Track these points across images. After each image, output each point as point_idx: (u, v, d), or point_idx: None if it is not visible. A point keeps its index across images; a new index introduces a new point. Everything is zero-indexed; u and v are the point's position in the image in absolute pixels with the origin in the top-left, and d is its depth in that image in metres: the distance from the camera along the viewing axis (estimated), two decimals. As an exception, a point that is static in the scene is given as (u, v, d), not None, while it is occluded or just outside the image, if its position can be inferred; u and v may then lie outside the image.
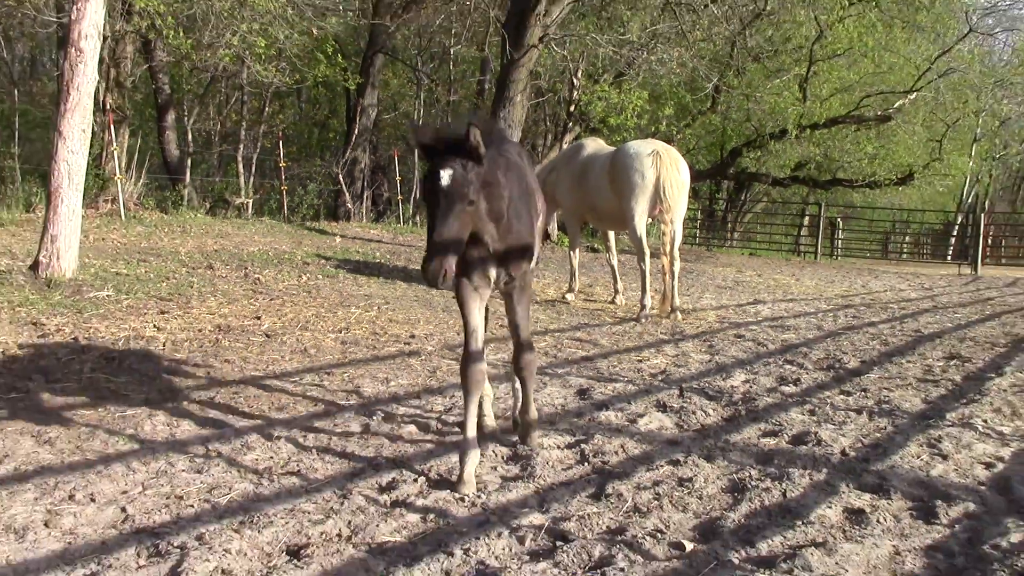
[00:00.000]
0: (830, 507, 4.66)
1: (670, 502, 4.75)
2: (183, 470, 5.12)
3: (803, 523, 4.41)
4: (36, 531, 4.13)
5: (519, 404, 6.00)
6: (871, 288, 19.82)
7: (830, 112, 28.24)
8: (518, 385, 5.97)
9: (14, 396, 6.49)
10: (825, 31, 25.13)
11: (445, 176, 4.41)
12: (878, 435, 6.20)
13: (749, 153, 30.67)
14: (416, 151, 5.99)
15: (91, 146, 11.70)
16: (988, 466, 5.49)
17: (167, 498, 4.64)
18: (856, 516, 4.56)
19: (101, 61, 12.19)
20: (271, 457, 5.41)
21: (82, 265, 11.36)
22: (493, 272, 5.19)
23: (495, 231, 4.96)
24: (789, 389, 7.75)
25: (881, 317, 13.61)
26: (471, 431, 5.13)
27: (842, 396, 7.50)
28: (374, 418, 6.35)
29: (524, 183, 5.46)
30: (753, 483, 5.04)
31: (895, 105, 28.23)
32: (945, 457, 5.64)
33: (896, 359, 9.46)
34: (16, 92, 28.79)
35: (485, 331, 5.29)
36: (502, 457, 5.57)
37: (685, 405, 6.97)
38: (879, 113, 28.32)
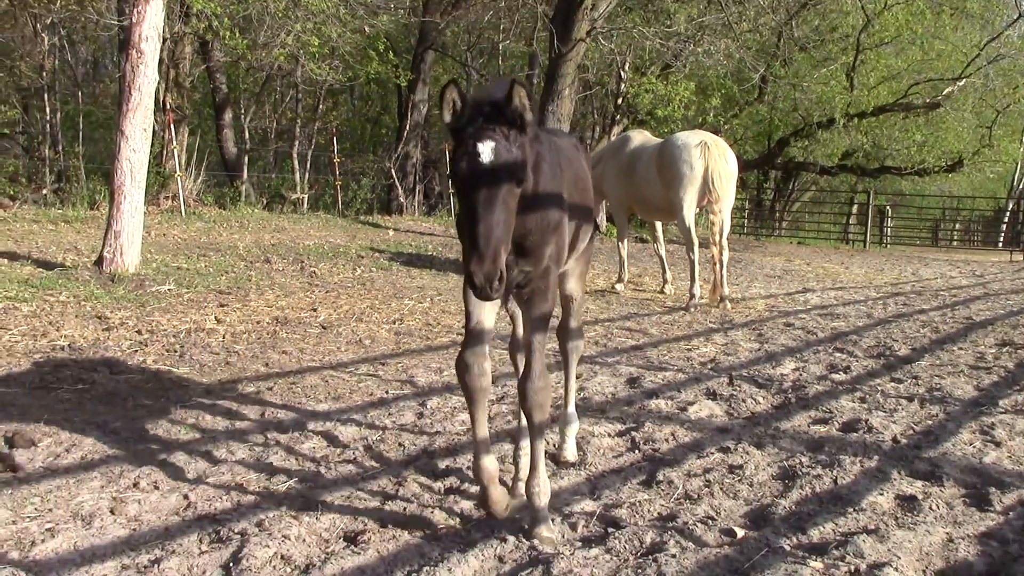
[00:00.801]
0: (882, 494, 4.59)
1: (721, 489, 4.71)
2: (243, 458, 5.17)
3: (854, 510, 4.34)
4: (102, 518, 4.19)
5: (521, 467, 4.67)
6: (921, 276, 19.51)
7: (878, 100, 27.83)
8: (524, 441, 4.62)
9: (81, 387, 6.60)
10: (872, 19, 24.78)
11: (486, 150, 3.53)
12: (930, 422, 6.10)
13: (796, 142, 30.30)
14: (445, 125, 3.94)
15: (152, 145, 11.85)
16: (1042, 453, 5.38)
17: (228, 486, 4.69)
18: (908, 503, 4.49)
19: (161, 62, 12.35)
20: (328, 445, 5.44)
21: (144, 260, 11.52)
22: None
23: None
24: (839, 377, 7.65)
25: (932, 304, 13.39)
26: (483, 455, 4.13)
27: (893, 383, 7.39)
28: (427, 407, 6.37)
29: (570, 170, 4.59)
30: (804, 470, 4.98)
31: (944, 92, 27.75)
32: (998, 444, 5.53)
33: (947, 346, 9.30)
34: (80, 94, 29.22)
35: (492, 329, 4.25)
36: (553, 444, 5.55)
37: (735, 393, 6.91)
38: (928, 100, 27.85)
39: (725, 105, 28.10)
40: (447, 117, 3.71)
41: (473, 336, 4.18)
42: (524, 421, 4.60)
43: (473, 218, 3.51)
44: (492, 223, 3.49)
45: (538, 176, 4.01)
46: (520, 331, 5.05)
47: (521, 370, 4.71)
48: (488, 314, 4.24)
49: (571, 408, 5.41)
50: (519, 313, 5.07)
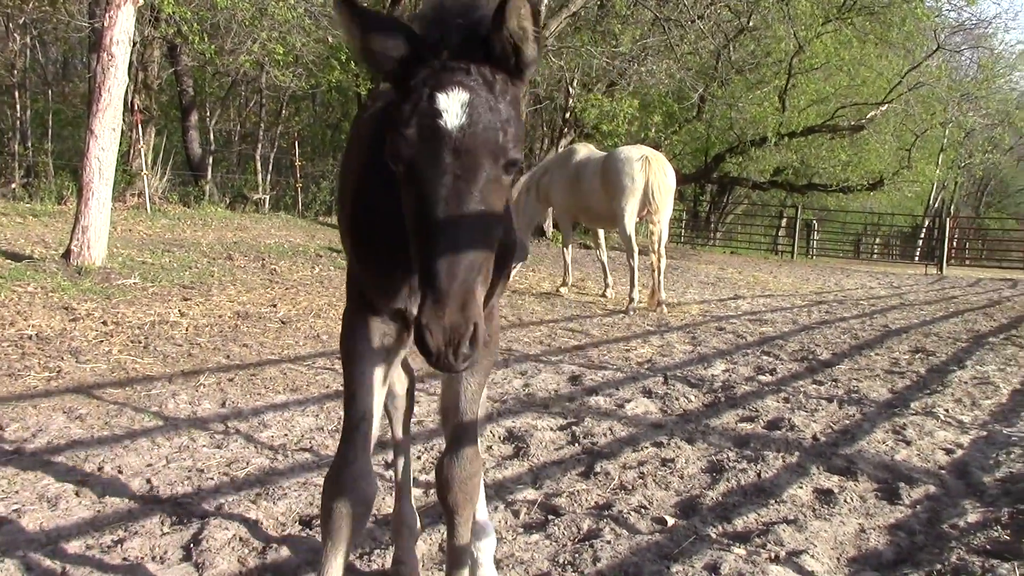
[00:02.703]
0: (801, 487, 4.69)
1: (654, 480, 4.78)
2: (204, 445, 5.14)
3: (776, 502, 4.44)
4: (68, 500, 4.15)
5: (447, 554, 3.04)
6: (843, 286, 19.84)
7: (807, 121, 28.36)
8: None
9: (47, 375, 6.51)
10: (804, 46, 25.17)
11: (453, 107, 2.09)
12: (847, 422, 6.23)
13: (731, 158, 30.68)
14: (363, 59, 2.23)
15: (120, 144, 11.69)
16: (948, 452, 5.52)
17: (189, 471, 4.66)
18: (825, 496, 4.59)
19: (130, 65, 12.19)
20: (286, 434, 5.43)
21: (111, 254, 11.35)
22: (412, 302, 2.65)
23: None
24: (765, 378, 7.77)
25: (852, 313, 13.63)
26: None
27: (815, 385, 7.53)
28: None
29: None
30: (731, 464, 5.06)
31: (867, 116, 28.38)
32: (909, 443, 5.67)
33: (865, 352, 9.49)
34: (50, 92, 28.67)
35: (378, 423, 2.81)
36: (498, 437, 5.59)
37: (669, 392, 7.00)
38: (853, 123, 28.47)
39: (666, 122, 28.41)
40: (354, 50, 2.24)
41: (357, 437, 2.73)
42: (443, 516, 3.16)
43: (427, 230, 2.07)
44: (463, 241, 2.05)
45: None
46: (441, 389, 3.17)
47: (406, 465, 3.28)
48: (379, 393, 2.80)
49: (482, 514, 3.40)
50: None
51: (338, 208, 2.92)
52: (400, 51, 2.17)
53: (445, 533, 3.02)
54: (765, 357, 8.91)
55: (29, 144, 24.65)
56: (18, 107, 24.74)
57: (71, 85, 32.92)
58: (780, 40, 25.26)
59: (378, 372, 2.78)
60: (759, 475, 4.89)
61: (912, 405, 6.80)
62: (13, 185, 20.89)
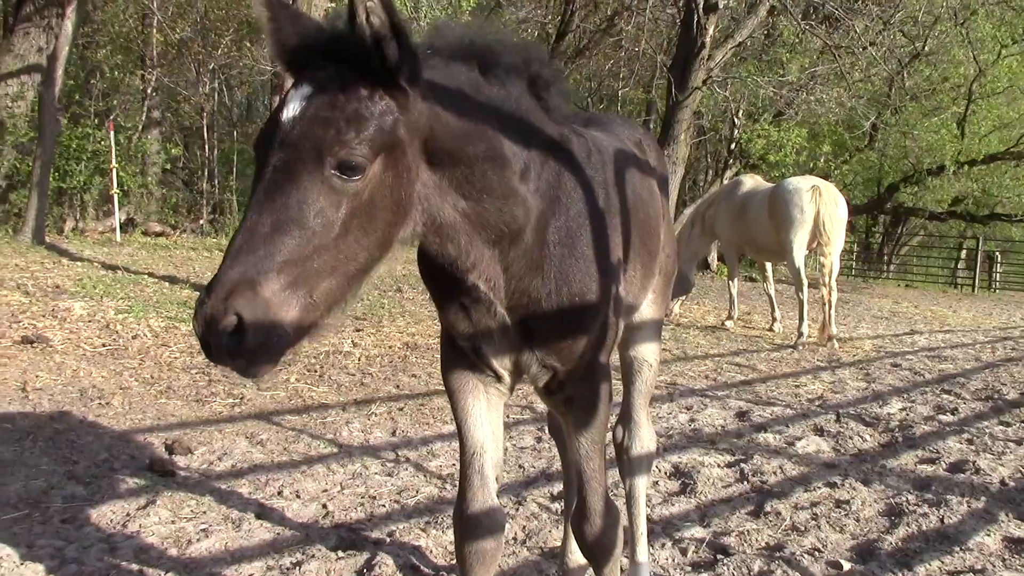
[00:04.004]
0: (989, 535, 4.43)
1: (827, 522, 4.61)
2: (376, 473, 5.29)
3: (961, 549, 4.21)
4: (250, 522, 4.35)
5: None
6: (1030, 321, 18.70)
7: (989, 149, 27.01)
8: None
9: (231, 401, 6.85)
10: (984, 70, 24.03)
11: (292, 101, 2.03)
12: (1038, 466, 5.85)
13: (906, 188, 29.49)
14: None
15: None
16: None
17: (362, 498, 4.80)
18: (1016, 546, 4.32)
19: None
20: (453, 464, 5.52)
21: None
22: (507, 357, 2.64)
23: (498, 267, 2.43)
24: (946, 418, 7.39)
25: (1041, 350, 12.82)
26: None
27: (1001, 427, 7.10)
28: (545, 432, 6.40)
29: (621, 193, 2.87)
30: (910, 508, 4.84)
31: (1057, 141, 26.73)
32: (1109, 491, 5.28)
33: (1057, 392, 8.90)
34: (235, 133, 30.42)
35: (497, 454, 2.81)
36: (664, 473, 5.52)
37: (842, 430, 6.75)
38: (1040, 149, 26.86)
39: (836, 151, 27.61)
40: (273, 48, 2.18)
41: (472, 472, 2.74)
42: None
43: (243, 218, 2.01)
44: (259, 226, 1.94)
45: (559, 207, 2.48)
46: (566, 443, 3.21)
47: (574, 500, 2.96)
48: (493, 426, 2.78)
49: (642, 555, 3.67)
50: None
51: None
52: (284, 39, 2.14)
53: None
54: (945, 396, 8.48)
55: (216, 182, 26.17)
56: (207, 148, 26.35)
57: (254, 126, 34.78)
58: (958, 65, 24.24)
59: (485, 402, 2.76)
60: (942, 520, 4.65)
61: (1112, 450, 6.33)
62: (201, 221, 22.20)
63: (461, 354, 2.71)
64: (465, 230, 2.30)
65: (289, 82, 2.13)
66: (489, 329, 2.55)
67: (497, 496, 2.79)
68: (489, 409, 2.77)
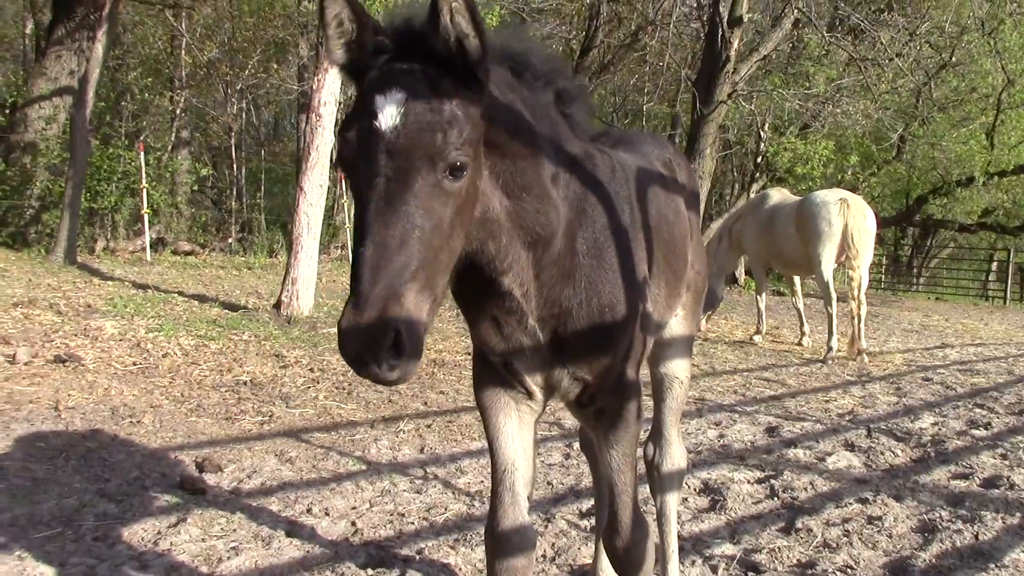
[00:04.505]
0: (1024, 551, 4.37)
1: (860, 539, 4.57)
2: (404, 490, 5.30)
3: (997, 566, 4.16)
4: (280, 540, 4.37)
5: None
6: (1064, 333, 18.45)
7: (1019, 159, 26.68)
8: None
9: (260, 419, 6.89)
10: (1013, 80, 23.81)
11: (388, 107, 2.04)
12: (1074, 481, 5.77)
13: (935, 200, 29.21)
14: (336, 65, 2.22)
15: (325, 199, 12.33)
16: None
17: (391, 515, 4.81)
18: (1052, 562, 4.26)
19: (336, 124, 12.88)
20: (481, 481, 5.52)
21: (317, 304, 11.94)
22: (539, 373, 2.69)
23: (531, 272, 2.47)
24: (979, 433, 7.30)
25: (1075, 362, 12.64)
26: None
27: (1035, 441, 7.01)
28: (574, 448, 6.39)
29: (651, 205, 3.00)
30: (944, 524, 4.78)
31: (1088, 151, 26.42)
32: None
33: (1092, 405, 8.77)
34: (262, 152, 30.72)
35: (528, 471, 2.85)
36: (694, 489, 5.48)
37: (873, 445, 6.68)
38: (1071, 159, 26.56)
39: (863, 163, 27.40)
40: (335, 50, 2.17)
41: (504, 489, 2.75)
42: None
43: (357, 232, 2.02)
44: (391, 242, 1.97)
45: (586, 219, 2.53)
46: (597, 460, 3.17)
47: (604, 515, 3.05)
48: (524, 444, 2.81)
49: (673, 572, 3.70)
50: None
51: None
52: (355, 55, 2.17)
53: None
54: (978, 410, 8.38)
55: (244, 201, 26.40)
56: (234, 167, 26.59)
57: (281, 145, 35.12)
58: (986, 75, 24.01)
59: (516, 419, 2.79)
60: (976, 537, 4.59)
61: None
62: (230, 240, 22.39)
63: (493, 371, 2.74)
64: (507, 228, 2.34)
65: (342, 82, 2.16)
66: (521, 344, 2.59)
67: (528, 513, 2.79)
68: (521, 427, 2.80)
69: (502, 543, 2.70)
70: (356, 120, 2.07)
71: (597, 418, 2.74)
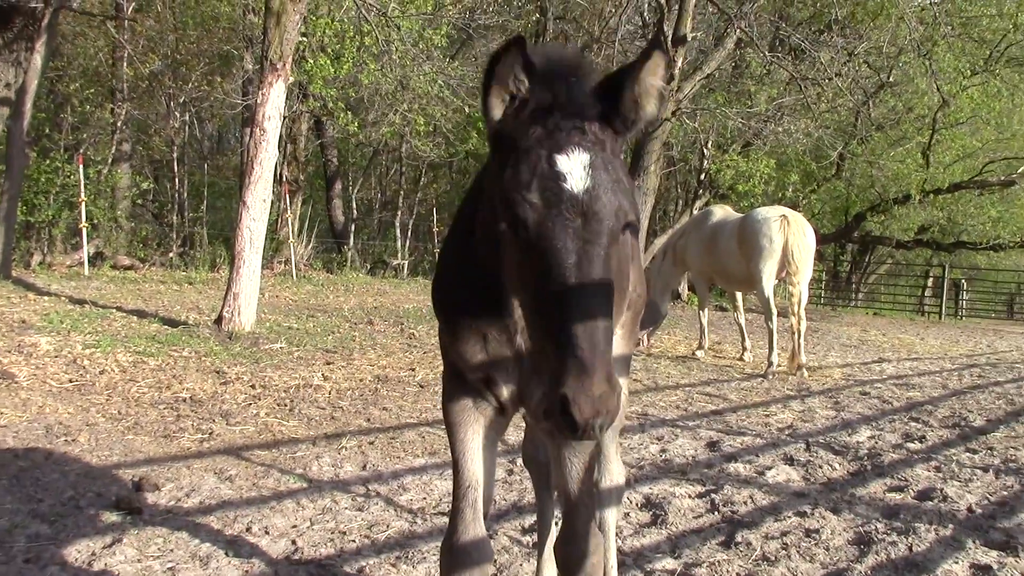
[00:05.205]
0: (957, 563, 4.46)
1: (798, 552, 4.62)
2: (346, 508, 5.25)
3: (929, 577, 4.23)
4: (218, 560, 4.30)
5: None
6: (996, 348, 18.88)
7: (953, 177, 27.42)
8: None
9: (200, 436, 6.79)
10: (948, 100, 24.42)
11: (576, 169, 2.06)
12: (1005, 493, 5.90)
13: (873, 217, 29.80)
14: (492, 124, 2.18)
15: (269, 214, 12.22)
16: (1119, 527, 5.16)
17: (332, 533, 4.76)
18: (983, 572, 4.35)
19: (280, 139, 12.79)
20: (424, 498, 5.49)
21: (259, 320, 11.81)
22: (515, 386, 2.70)
23: None
24: (914, 446, 7.44)
25: (1007, 377, 12.94)
26: None
27: (968, 454, 7.17)
28: (517, 464, 6.39)
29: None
30: (879, 536, 4.86)
31: (1019, 170, 27.19)
32: (1074, 517, 5.33)
33: (1023, 418, 8.98)
34: (205, 166, 30.35)
35: (489, 489, 2.89)
36: (636, 504, 5.51)
37: (811, 459, 6.78)
38: (1002, 178, 27.30)
39: (804, 181, 27.88)
40: (495, 111, 2.15)
41: (466, 505, 2.78)
42: None
43: (558, 298, 1.99)
44: (596, 307, 1.98)
45: None
46: (553, 469, 3.09)
47: (547, 531, 3.35)
48: (488, 463, 2.85)
49: None
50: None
51: (435, 274, 2.98)
52: (517, 115, 2.16)
53: None
54: (913, 423, 8.55)
55: (186, 215, 26.07)
56: (176, 180, 26.25)
57: (224, 159, 34.74)
58: (923, 95, 24.59)
59: (483, 438, 2.82)
60: (910, 548, 4.67)
61: (1077, 476, 6.39)
62: (171, 254, 22.08)
63: (466, 388, 2.78)
64: None
65: (532, 134, 2.14)
66: (505, 358, 2.63)
67: None
68: (486, 445, 2.83)
69: (462, 558, 2.72)
70: (538, 180, 2.06)
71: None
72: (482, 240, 2.45)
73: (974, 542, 4.78)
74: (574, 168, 2.04)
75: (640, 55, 2.13)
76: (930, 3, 23.74)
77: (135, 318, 11.62)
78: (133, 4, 23.69)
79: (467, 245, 2.63)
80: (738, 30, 19.52)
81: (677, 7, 19.71)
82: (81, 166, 18.19)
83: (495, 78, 2.12)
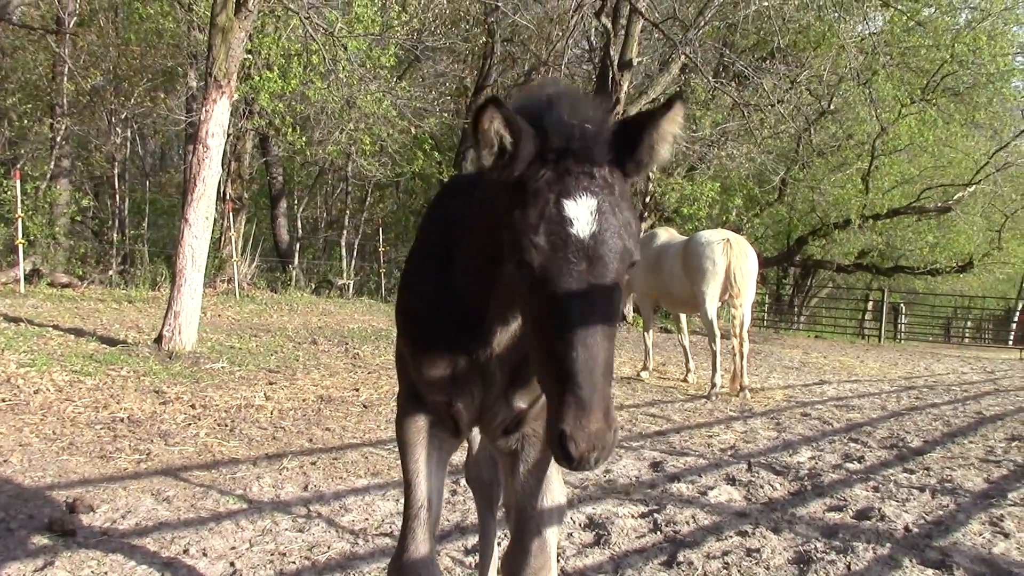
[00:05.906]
0: (893, 581, 4.53)
1: (738, 571, 4.66)
2: (286, 529, 5.18)
3: (867, 596, 4.29)
4: (154, 582, 4.22)
5: None
6: (934, 371, 19.28)
7: (892, 203, 28.06)
8: None
9: (137, 457, 6.66)
10: (886, 128, 25.00)
11: (583, 214, 2.10)
12: (941, 512, 6.01)
13: (814, 241, 30.36)
14: (489, 171, 2.17)
15: (212, 232, 12.08)
16: (1050, 545, 5.28)
17: (271, 555, 4.70)
18: (919, 590, 4.42)
19: (224, 156, 12.68)
20: (367, 519, 5.45)
21: (200, 339, 11.66)
22: (476, 407, 2.77)
23: (514, 320, 2.60)
24: (853, 466, 7.56)
25: (944, 399, 13.21)
26: None
27: (905, 474, 7.29)
28: (460, 484, 6.36)
29: None
30: (818, 555, 4.92)
31: (955, 197, 27.97)
32: (1007, 535, 5.44)
33: (958, 439, 9.17)
34: (147, 183, 29.94)
35: (439, 509, 2.94)
36: (579, 524, 5.52)
37: (753, 479, 6.85)
38: (939, 204, 28.05)
39: (747, 205, 28.32)
40: (487, 158, 2.15)
41: (417, 525, 2.82)
42: None
43: (562, 337, 2.05)
44: (599, 347, 2.05)
45: None
46: (504, 484, 3.20)
47: (489, 552, 3.51)
48: (439, 484, 2.89)
49: None
50: (478, 439, 3.69)
51: (402, 297, 2.97)
52: (529, 152, 2.16)
53: None
54: (853, 444, 8.67)
55: (127, 232, 25.66)
56: (117, 197, 25.83)
57: (167, 176, 34.30)
58: (862, 122, 25.19)
59: (436, 458, 2.85)
60: (848, 567, 4.73)
61: (1010, 496, 6.54)
62: (111, 272, 21.69)
63: (424, 409, 2.81)
64: None
65: (539, 177, 2.15)
66: (471, 380, 2.67)
67: None
68: (438, 466, 2.87)
69: None
70: (545, 224, 2.09)
71: (520, 443, 2.83)
72: (464, 271, 2.54)
73: (911, 561, 4.86)
74: (581, 213, 2.09)
75: (663, 104, 2.17)
76: (870, 33, 24.29)
77: (72, 337, 11.39)
78: (75, 19, 23.35)
79: (441, 273, 2.66)
80: (683, 56, 19.80)
81: (623, 32, 20.00)
82: (18, 181, 17.84)
83: (479, 143, 2.15)
